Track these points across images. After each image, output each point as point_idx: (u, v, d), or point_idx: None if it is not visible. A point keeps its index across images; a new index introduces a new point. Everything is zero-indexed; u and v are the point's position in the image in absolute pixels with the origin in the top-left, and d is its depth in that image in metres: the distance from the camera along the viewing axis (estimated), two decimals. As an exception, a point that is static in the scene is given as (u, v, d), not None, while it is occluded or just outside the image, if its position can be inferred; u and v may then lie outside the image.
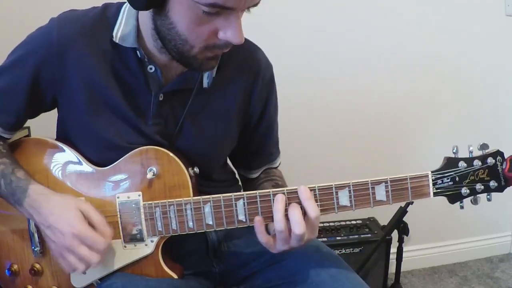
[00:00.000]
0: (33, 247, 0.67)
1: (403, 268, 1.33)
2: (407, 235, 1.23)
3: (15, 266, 0.69)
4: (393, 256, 1.29)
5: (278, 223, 0.57)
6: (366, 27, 1.33)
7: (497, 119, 1.52)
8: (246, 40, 0.72)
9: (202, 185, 0.69)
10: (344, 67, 1.35)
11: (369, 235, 1.23)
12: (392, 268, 1.30)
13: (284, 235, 0.58)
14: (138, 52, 0.64)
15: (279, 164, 0.83)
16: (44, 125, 0.74)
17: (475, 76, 1.46)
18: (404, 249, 1.27)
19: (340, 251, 1.19)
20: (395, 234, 1.23)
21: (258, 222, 0.59)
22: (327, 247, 0.72)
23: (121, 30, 0.63)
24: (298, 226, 0.57)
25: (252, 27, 0.75)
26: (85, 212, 0.60)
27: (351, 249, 1.20)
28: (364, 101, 1.38)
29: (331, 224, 1.26)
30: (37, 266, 0.68)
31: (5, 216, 0.69)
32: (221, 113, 0.70)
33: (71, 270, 0.61)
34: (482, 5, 1.40)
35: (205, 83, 0.67)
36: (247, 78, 0.71)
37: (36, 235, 0.67)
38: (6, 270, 0.69)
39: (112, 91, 0.65)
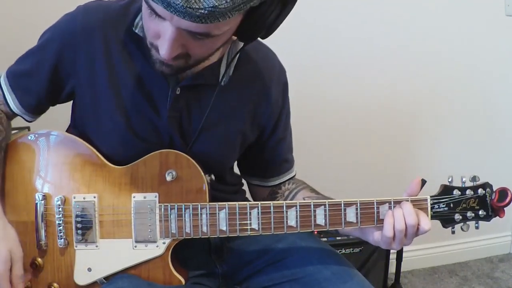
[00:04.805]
0: (38, 241, 0.66)
1: (403, 268, 1.34)
2: (407, 235, 1.27)
3: (14, 259, 0.68)
4: (393, 256, 1.29)
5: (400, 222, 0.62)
6: (367, 28, 1.34)
7: (497, 118, 1.56)
8: (262, 44, 0.74)
9: (215, 189, 0.70)
10: (349, 65, 1.36)
11: (370, 235, 1.25)
12: (392, 268, 1.31)
13: (402, 235, 0.62)
14: None
15: (295, 173, 0.82)
16: (44, 125, 0.74)
17: (474, 76, 1.49)
18: (404, 249, 1.29)
19: (340, 251, 1.18)
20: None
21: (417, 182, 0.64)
22: (329, 245, 0.75)
23: (142, 20, 0.62)
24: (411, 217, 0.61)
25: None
26: (13, 257, 0.63)
27: (351, 249, 1.20)
28: (365, 99, 1.39)
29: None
30: (39, 260, 0.67)
31: (11, 207, 0.68)
32: (235, 112, 0.71)
33: None
34: (482, 5, 1.42)
35: (222, 81, 0.68)
36: (262, 83, 0.72)
37: (43, 230, 0.66)
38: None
39: (129, 82, 0.66)
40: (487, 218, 0.68)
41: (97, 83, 0.66)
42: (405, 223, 0.62)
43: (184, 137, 0.69)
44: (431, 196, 0.67)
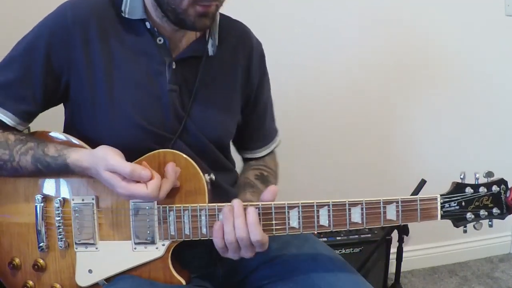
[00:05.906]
0: (39, 243, 0.66)
1: (403, 268, 1.33)
2: (407, 235, 1.23)
3: (17, 260, 0.68)
4: (393, 256, 1.28)
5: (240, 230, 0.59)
6: (367, 28, 1.35)
7: (497, 119, 1.54)
8: (237, 20, 0.79)
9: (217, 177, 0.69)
10: (349, 66, 1.36)
11: (369, 235, 1.22)
12: (392, 268, 1.30)
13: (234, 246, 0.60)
14: (147, 23, 0.67)
15: (279, 141, 0.86)
16: (43, 126, 0.73)
17: (475, 76, 1.48)
18: (404, 249, 1.27)
19: (340, 251, 1.19)
20: (395, 234, 1.24)
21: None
22: (324, 243, 0.75)
23: (129, 4, 0.66)
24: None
25: (249, 22, 0.79)
26: (114, 171, 0.59)
27: (351, 249, 1.20)
28: (365, 100, 1.39)
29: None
30: (41, 261, 0.67)
31: (12, 208, 0.68)
32: (228, 82, 0.74)
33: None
34: (482, 5, 1.42)
35: (210, 51, 0.71)
36: (244, 53, 0.76)
37: (43, 231, 0.66)
38: (7, 264, 0.67)
39: (128, 65, 0.67)
40: (501, 216, 0.65)
41: (96, 74, 0.66)
42: (235, 235, 0.59)
43: (187, 111, 0.70)
44: (441, 195, 0.64)
